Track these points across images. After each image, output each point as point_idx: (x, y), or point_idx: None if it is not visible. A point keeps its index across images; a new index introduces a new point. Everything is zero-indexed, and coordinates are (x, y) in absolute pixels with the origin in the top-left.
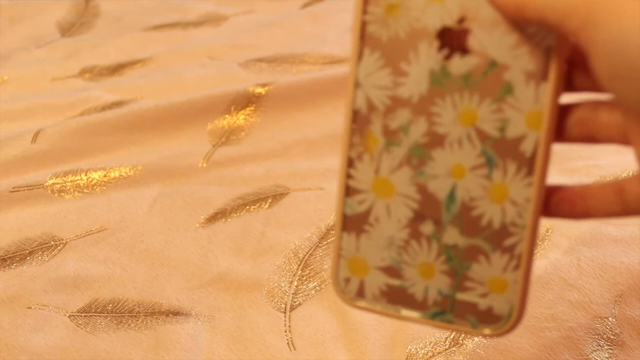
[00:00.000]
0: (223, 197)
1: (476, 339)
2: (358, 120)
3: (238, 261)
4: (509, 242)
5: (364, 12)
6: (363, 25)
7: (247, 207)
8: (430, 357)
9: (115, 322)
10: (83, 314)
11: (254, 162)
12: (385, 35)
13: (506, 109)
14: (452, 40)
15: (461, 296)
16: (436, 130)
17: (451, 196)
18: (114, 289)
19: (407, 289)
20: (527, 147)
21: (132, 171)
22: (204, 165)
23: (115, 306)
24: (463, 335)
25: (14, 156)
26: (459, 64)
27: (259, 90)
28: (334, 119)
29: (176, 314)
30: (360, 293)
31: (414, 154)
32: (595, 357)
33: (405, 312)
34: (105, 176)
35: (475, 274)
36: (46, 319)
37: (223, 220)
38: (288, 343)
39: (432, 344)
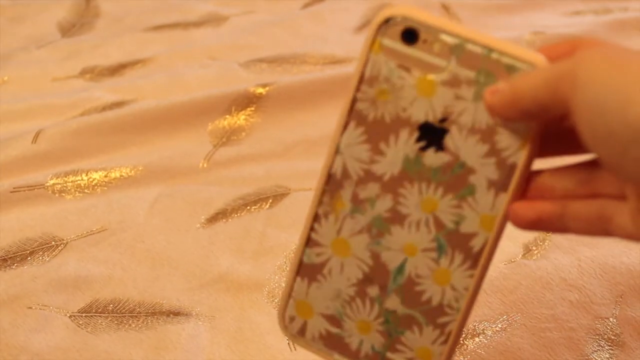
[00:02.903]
0: (224, 197)
1: (477, 339)
2: (331, 183)
3: (239, 261)
4: (442, 320)
5: (357, 89)
6: (354, 101)
7: (248, 208)
8: None
9: (116, 322)
10: (84, 314)
11: (255, 163)
12: (371, 115)
13: (465, 207)
14: (431, 134)
15: (390, 355)
16: (399, 209)
17: (400, 269)
18: (115, 289)
19: (344, 338)
20: (476, 244)
21: (132, 171)
22: (205, 165)
23: (116, 306)
24: (464, 335)
25: (15, 156)
26: (432, 158)
27: (260, 90)
28: (334, 120)
29: (177, 314)
30: (302, 332)
31: (374, 224)
32: (596, 358)
33: (338, 358)
34: (106, 176)
35: (407, 339)
36: (47, 319)
37: (224, 220)
38: (289, 343)
39: None
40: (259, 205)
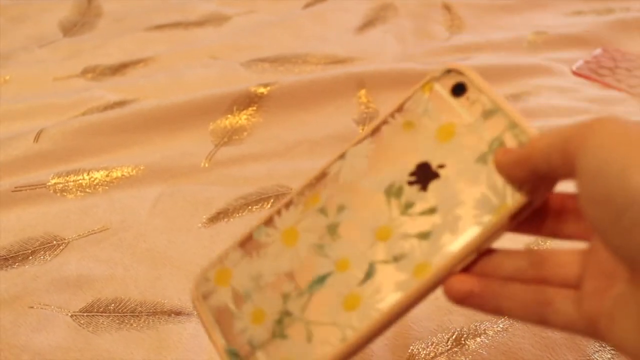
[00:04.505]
0: (225, 197)
1: (478, 339)
2: (320, 179)
3: None
4: (326, 341)
5: (391, 115)
6: (383, 123)
7: (250, 207)
8: (432, 357)
9: (117, 321)
10: (85, 314)
11: (256, 162)
12: (388, 139)
13: (411, 248)
14: (424, 174)
15: (260, 355)
16: (357, 224)
17: (322, 278)
18: (116, 289)
19: (234, 319)
20: (399, 287)
21: (134, 171)
22: (206, 165)
23: (118, 306)
24: (465, 335)
25: (16, 156)
26: (412, 194)
27: (261, 90)
28: (336, 119)
29: (178, 313)
30: (205, 296)
31: (329, 230)
32: (597, 358)
33: (217, 334)
34: (107, 176)
35: (283, 347)
36: (48, 319)
37: (225, 220)
38: None
39: (434, 344)
40: (260, 205)
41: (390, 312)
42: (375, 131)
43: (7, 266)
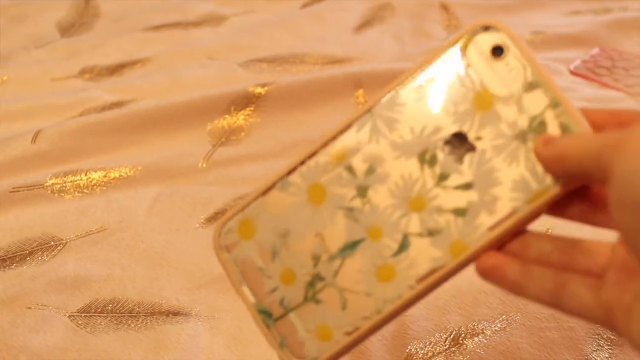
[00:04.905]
0: (223, 197)
1: (476, 338)
2: (346, 135)
3: None
4: (361, 313)
5: (430, 66)
6: (420, 71)
7: None
8: (430, 357)
9: (115, 322)
10: (83, 314)
11: (254, 162)
12: (424, 94)
13: (446, 224)
14: (459, 143)
15: (293, 317)
16: (392, 191)
17: (354, 244)
18: (114, 289)
19: (263, 277)
20: (434, 263)
21: (132, 171)
22: (204, 165)
23: (115, 306)
24: (463, 335)
25: (14, 156)
26: (446, 162)
27: (259, 90)
28: (333, 119)
29: (176, 314)
30: (229, 248)
31: (359, 192)
32: (596, 357)
33: (246, 290)
34: (105, 176)
35: (317, 311)
36: (46, 319)
37: None
38: None
39: (432, 344)
40: None
41: (426, 288)
42: (409, 80)
43: (4, 267)
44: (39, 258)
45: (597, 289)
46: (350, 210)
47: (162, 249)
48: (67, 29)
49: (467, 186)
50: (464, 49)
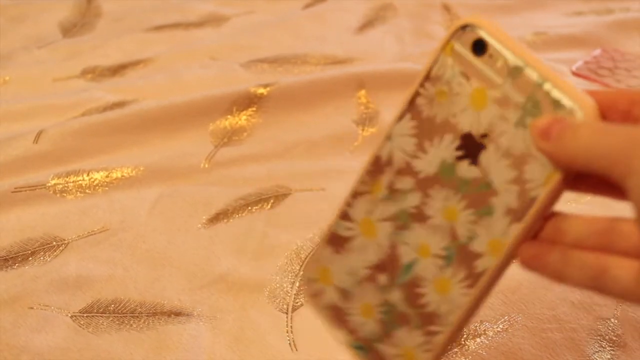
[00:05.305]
0: (225, 197)
1: (478, 340)
2: (375, 165)
3: (240, 262)
4: (432, 328)
5: (421, 85)
6: (415, 95)
7: (249, 208)
8: None
9: (117, 322)
10: (85, 315)
11: (256, 163)
12: (426, 112)
13: (480, 226)
14: (470, 145)
15: (380, 347)
16: (424, 209)
17: (409, 266)
18: (116, 290)
19: (348, 315)
20: (479, 265)
21: (133, 172)
22: (206, 165)
23: (117, 306)
24: (465, 336)
25: (16, 156)
26: (464, 169)
27: (261, 90)
28: (335, 120)
29: (178, 314)
30: (318, 296)
31: (400, 216)
32: (597, 358)
33: (338, 332)
34: (107, 177)
35: (398, 336)
36: (48, 319)
37: (225, 220)
38: (290, 343)
39: None
40: (260, 205)
41: (480, 293)
42: (411, 105)
43: (6, 267)
44: (41, 258)
45: (637, 270)
46: (398, 235)
47: (164, 249)
48: (69, 29)
49: (487, 185)
50: (450, 53)
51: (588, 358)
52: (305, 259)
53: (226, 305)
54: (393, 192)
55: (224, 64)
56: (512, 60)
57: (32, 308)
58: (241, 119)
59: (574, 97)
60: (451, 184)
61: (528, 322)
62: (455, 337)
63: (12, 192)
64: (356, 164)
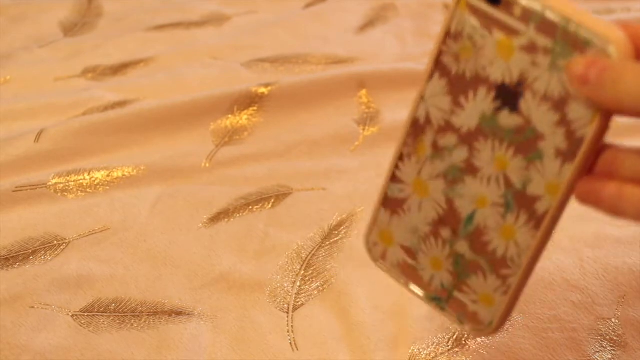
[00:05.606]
0: (226, 197)
1: (479, 340)
2: (415, 127)
3: (241, 261)
4: (504, 272)
5: (444, 42)
6: (440, 53)
7: (250, 207)
8: (433, 357)
9: (118, 321)
10: (86, 314)
11: (257, 162)
12: (454, 69)
13: (532, 170)
14: (507, 95)
15: (457, 295)
16: (474, 162)
17: (470, 218)
18: (117, 289)
19: (418, 270)
20: (540, 207)
21: (135, 171)
22: (207, 165)
23: (118, 306)
24: (465, 336)
25: (17, 156)
26: (506, 118)
27: (262, 90)
28: (337, 120)
29: (179, 313)
30: (383, 257)
31: (450, 172)
32: (598, 358)
33: (413, 287)
34: (108, 176)
35: (472, 283)
36: (49, 319)
37: (226, 220)
38: (291, 343)
39: (434, 344)
40: (261, 205)
41: (544, 233)
42: (437, 64)
43: (7, 266)
44: (42, 257)
45: None
46: (453, 190)
47: (165, 249)
48: (70, 29)
49: (532, 131)
50: (465, 7)
51: (589, 358)
52: (306, 258)
53: (227, 304)
54: (438, 150)
55: (225, 64)
56: (531, 5)
57: (33, 307)
58: (242, 118)
59: (603, 33)
60: (495, 134)
61: (529, 322)
62: (527, 278)
63: (13, 191)
64: (357, 164)
